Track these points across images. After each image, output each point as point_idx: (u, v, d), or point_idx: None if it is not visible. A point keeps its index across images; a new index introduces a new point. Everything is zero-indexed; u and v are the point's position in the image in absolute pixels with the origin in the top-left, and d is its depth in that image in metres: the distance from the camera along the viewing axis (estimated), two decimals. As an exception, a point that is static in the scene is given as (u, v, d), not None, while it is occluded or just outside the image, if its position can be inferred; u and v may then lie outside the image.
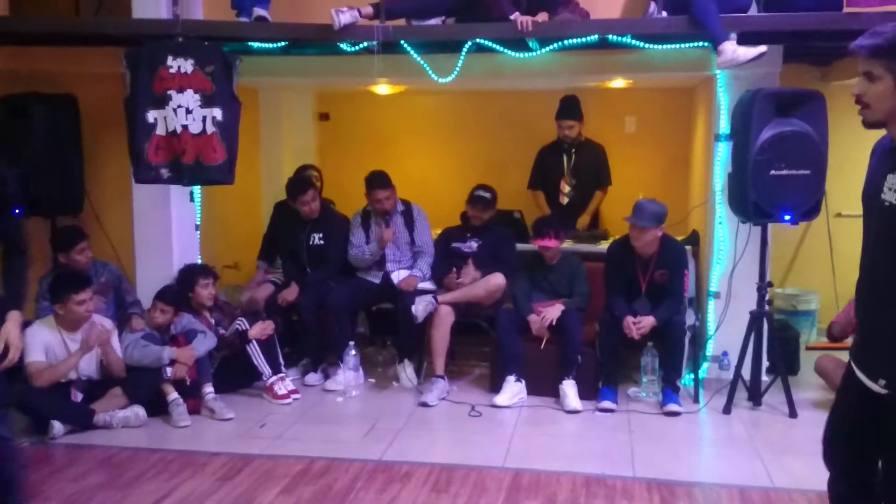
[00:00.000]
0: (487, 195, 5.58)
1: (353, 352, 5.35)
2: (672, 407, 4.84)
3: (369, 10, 4.94)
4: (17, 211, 5.04)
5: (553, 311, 5.13)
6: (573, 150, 6.35)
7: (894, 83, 2.31)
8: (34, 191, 5.04)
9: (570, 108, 6.31)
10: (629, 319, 4.93)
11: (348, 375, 5.32)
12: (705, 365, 5.34)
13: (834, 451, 2.61)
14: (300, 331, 5.61)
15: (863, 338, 2.52)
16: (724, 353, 5.36)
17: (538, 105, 6.62)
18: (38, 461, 4.15)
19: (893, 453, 2.39)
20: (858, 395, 2.47)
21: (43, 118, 5.30)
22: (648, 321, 4.91)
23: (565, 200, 6.37)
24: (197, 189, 5.54)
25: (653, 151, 6.87)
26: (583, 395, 4.98)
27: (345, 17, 4.83)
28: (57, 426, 4.45)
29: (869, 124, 2.41)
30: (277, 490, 3.83)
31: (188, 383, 4.84)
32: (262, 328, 5.15)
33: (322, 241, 5.74)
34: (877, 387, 2.37)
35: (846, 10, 4.59)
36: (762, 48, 4.57)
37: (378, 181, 5.58)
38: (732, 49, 4.58)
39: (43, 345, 4.56)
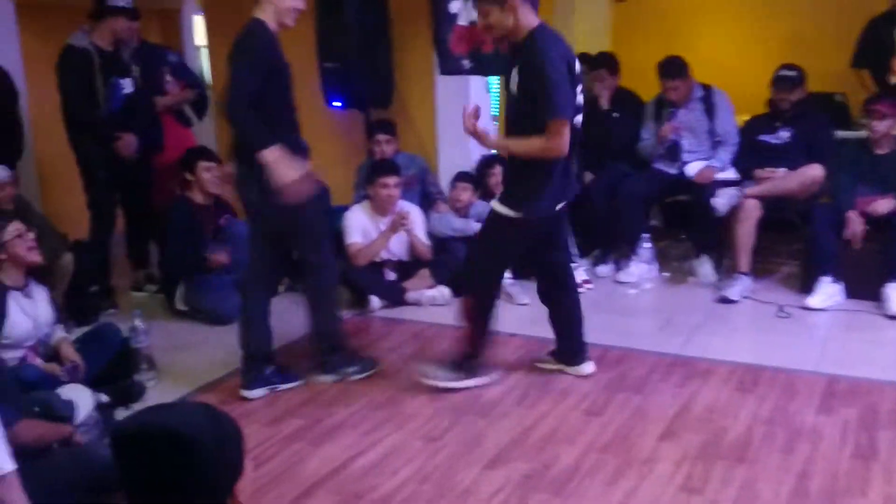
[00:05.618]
0: (792, 73, 5.06)
1: (648, 244, 5.21)
2: None
3: None
4: (339, 104, 5.46)
5: (882, 205, 4.62)
6: (911, 20, 5.51)
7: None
8: (350, 86, 5.33)
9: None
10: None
11: (641, 268, 5.22)
12: None
13: None
14: (592, 220, 5.54)
15: None
16: None
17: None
18: (360, 331, 4.59)
19: None
20: None
21: (355, 13, 5.36)
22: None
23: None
24: (493, 80, 5.59)
25: None
26: (910, 301, 4.48)
27: None
28: (374, 301, 4.89)
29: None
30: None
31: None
32: None
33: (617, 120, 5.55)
34: None
35: None
36: None
37: (668, 69, 5.27)
38: None
39: (360, 228, 4.98)
